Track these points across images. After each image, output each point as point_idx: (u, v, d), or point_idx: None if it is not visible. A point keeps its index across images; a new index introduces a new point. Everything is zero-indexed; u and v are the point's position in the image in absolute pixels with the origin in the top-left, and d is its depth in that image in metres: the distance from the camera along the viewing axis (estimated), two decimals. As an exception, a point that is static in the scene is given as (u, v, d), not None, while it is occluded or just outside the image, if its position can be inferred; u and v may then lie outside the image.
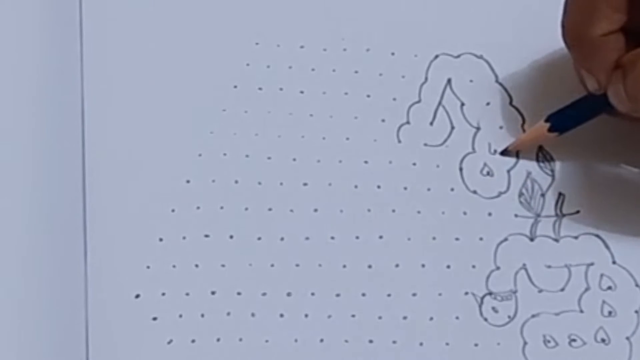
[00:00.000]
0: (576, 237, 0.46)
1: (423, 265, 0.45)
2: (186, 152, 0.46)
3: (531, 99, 0.49)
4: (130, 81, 0.47)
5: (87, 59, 0.47)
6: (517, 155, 0.48)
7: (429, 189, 0.47)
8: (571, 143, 0.48)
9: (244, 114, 0.47)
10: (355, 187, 0.46)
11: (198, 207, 0.45)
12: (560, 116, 0.47)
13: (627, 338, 0.44)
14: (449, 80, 0.50)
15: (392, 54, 0.50)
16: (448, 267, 0.45)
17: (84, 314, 0.42)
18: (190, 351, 0.42)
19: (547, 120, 0.47)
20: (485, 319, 0.44)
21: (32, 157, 0.45)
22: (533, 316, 0.44)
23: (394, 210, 0.46)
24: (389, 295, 0.44)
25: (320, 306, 0.43)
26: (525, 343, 0.44)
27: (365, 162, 0.47)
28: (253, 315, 0.43)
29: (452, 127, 0.49)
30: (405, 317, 0.44)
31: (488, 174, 0.48)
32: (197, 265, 0.44)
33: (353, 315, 0.43)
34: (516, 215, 0.47)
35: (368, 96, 0.49)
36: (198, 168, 0.46)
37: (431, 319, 0.44)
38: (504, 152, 0.48)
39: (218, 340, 0.42)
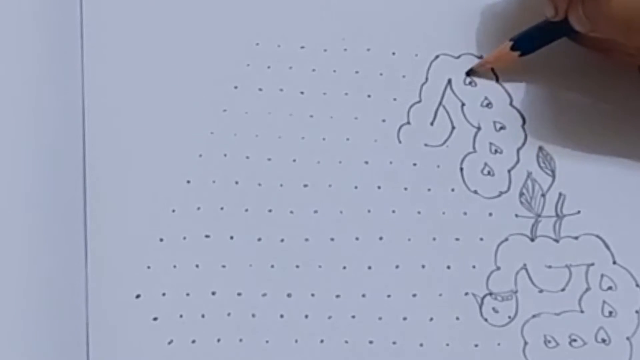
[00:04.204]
0: (576, 238, 0.46)
1: (423, 266, 0.45)
2: (186, 152, 0.46)
3: (531, 99, 0.49)
4: (130, 81, 0.47)
5: (87, 59, 0.47)
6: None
7: (429, 189, 0.47)
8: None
9: (245, 115, 0.47)
10: (356, 187, 0.46)
11: (198, 208, 0.45)
12: (524, 37, 0.49)
13: (628, 338, 0.44)
14: (450, 81, 0.50)
15: (393, 54, 0.50)
16: (448, 267, 0.45)
17: (84, 314, 0.42)
18: (190, 351, 0.42)
19: (511, 41, 0.49)
20: (486, 319, 0.44)
21: (32, 157, 0.45)
22: (533, 316, 0.44)
23: (394, 211, 0.46)
24: (389, 295, 0.44)
25: (320, 307, 0.43)
26: (525, 343, 0.44)
27: (366, 162, 0.47)
28: (253, 315, 0.43)
29: (453, 127, 0.49)
30: (405, 318, 0.44)
31: (489, 173, 0.48)
32: (197, 266, 0.44)
33: (353, 316, 0.43)
34: (517, 215, 0.47)
35: (368, 96, 0.49)
36: (198, 168, 0.46)
37: (431, 319, 0.44)
38: (470, 72, 0.49)
39: (218, 340, 0.42)
